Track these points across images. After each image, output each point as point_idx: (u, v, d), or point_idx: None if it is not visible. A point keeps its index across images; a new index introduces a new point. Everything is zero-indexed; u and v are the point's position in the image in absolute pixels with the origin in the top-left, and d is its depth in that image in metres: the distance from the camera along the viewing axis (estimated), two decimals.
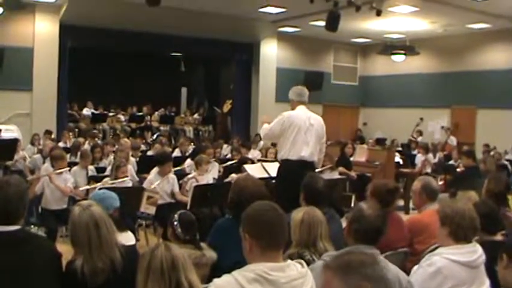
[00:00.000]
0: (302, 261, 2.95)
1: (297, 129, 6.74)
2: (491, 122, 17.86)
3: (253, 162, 10.24)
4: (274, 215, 2.90)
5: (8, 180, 3.38)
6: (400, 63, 19.89)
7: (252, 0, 13.99)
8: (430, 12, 15.54)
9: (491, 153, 14.91)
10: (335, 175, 10.14)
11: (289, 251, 3.81)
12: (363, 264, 2.01)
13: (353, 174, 11.22)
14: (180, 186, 8.40)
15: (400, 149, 17.01)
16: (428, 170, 13.61)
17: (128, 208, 6.78)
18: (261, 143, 14.61)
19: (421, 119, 19.17)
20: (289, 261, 2.90)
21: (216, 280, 2.81)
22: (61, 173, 7.81)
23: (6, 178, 3.52)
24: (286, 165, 6.86)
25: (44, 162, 9.65)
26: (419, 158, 14.17)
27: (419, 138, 18.47)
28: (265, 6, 15.71)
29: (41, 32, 16.49)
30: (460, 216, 3.62)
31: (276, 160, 9.69)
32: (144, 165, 10.04)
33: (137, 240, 5.84)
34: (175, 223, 4.18)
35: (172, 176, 8.36)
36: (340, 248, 3.68)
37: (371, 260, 2.04)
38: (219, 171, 10.29)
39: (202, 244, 4.13)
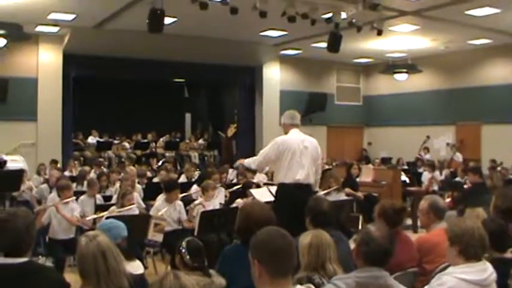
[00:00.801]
0: (311, 286, 2.94)
1: (291, 153, 6.75)
2: (496, 137, 17.82)
3: (258, 186, 10.22)
4: (283, 241, 2.89)
5: (16, 213, 3.39)
6: (403, 81, 19.93)
7: (253, 25, 14.04)
8: (430, 30, 15.60)
9: (498, 168, 14.87)
10: (341, 196, 10.10)
11: (298, 274, 3.79)
12: None
13: (360, 194, 11.19)
14: (187, 212, 8.39)
15: (406, 167, 17.00)
16: (435, 187, 13.57)
17: (136, 236, 6.76)
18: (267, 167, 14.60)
19: (428, 137, 19.20)
20: (298, 286, 2.89)
21: None
22: (67, 202, 7.81)
23: (13, 210, 3.53)
24: (282, 189, 6.88)
25: (50, 192, 9.66)
26: (426, 176, 14.14)
27: (427, 155, 18.47)
28: (266, 30, 15.79)
29: (45, 62, 16.64)
30: (469, 235, 3.61)
31: None
32: (151, 192, 10.05)
33: (145, 268, 5.81)
34: (183, 250, 4.16)
35: (179, 203, 8.36)
36: (350, 270, 3.66)
37: None
38: (226, 196, 10.27)
39: (211, 271, 4.11)
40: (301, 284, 3.11)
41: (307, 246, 3.93)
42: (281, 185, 6.89)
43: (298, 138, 6.90)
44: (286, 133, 7.03)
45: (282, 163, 6.78)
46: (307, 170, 6.80)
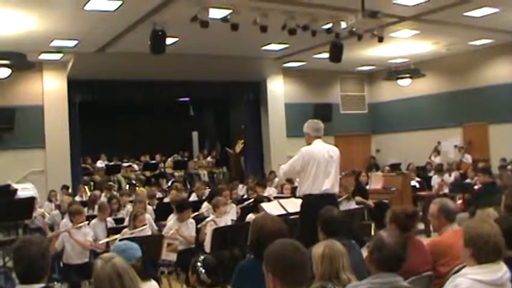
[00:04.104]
0: None
1: (317, 163, 6.78)
2: (504, 136, 17.75)
3: (269, 200, 10.23)
4: (297, 254, 2.90)
5: (30, 239, 3.42)
6: (407, 86, 19.95)
7: (254, 39, 14.10)
8: (431, 34, 15.62)
9: (508, 167, 14.83)
10: (352, 205, 10.12)
11: (313, 285, 3.79)
12: None
13: (370, 202, 11.20)
14: (199, 230, 8.40)
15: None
16: (446, 190, 13.53)
17: (149, 256, 6.79)
18: (276, 179, 14.65)
19: (439, 142, 19.27)
20: None
21: None
22: (80, 227, 7.84)
23: (27, 237, 3.56)
24: (309, 200, 6.87)
25: (62, 218, 9.69)
26: (436, 180, 14.11)
27: (437, 158, 18.44)
28: (268, 44, 15.85)
29: (50, 89, 16.75)
30: (483, 241, 3.56)
31: (292, 196, 9.68)
32: (162, 213, 10.08)
33: None
34: (200, 269, 4.15)
35: (191, 221, 8.40)
36: (363, 278, 3.67)
37: None
38: (237, 212, 10.28)
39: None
40: None
41: (320, 257, 3.93)
42: (307, 196, 6.90)
43: (323, 148, 6.97)
44: (309, 143, 7.05)
45: (308, 174, 6.82)
46: (333, 180, 6.86)
